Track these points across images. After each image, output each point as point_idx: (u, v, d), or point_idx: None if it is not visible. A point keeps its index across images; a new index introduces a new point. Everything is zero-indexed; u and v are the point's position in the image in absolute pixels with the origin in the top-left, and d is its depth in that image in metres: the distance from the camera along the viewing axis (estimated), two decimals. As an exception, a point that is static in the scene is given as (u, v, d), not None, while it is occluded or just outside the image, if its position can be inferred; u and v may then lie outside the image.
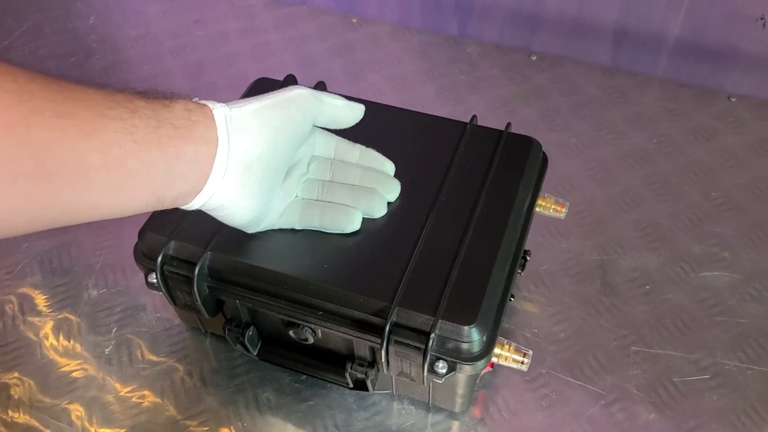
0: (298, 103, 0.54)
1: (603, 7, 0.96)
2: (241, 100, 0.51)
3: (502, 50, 1.03)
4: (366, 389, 0.62)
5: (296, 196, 0.59)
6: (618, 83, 0.97)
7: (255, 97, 0.52)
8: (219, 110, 0.48)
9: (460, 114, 0.91)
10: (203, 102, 0.49)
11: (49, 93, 0.39)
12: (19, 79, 0.38)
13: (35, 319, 0.73)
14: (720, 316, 0.71)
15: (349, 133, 0.60)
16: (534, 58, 1.01)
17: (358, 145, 0.61)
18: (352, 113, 0.58)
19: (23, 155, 0.38)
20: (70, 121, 0.40)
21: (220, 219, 0.53)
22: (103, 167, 0.41)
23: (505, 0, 1.01)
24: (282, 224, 0.58)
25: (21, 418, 0.66)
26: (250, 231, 0.57)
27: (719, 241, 0.77)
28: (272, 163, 0.52)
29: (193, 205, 0.49)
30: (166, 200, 0.47)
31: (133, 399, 0.67)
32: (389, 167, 0.61)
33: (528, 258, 0.66)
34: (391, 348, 0.54)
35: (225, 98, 0.96)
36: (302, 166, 0.59)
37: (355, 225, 0.58)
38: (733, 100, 0.93)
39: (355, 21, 1.08)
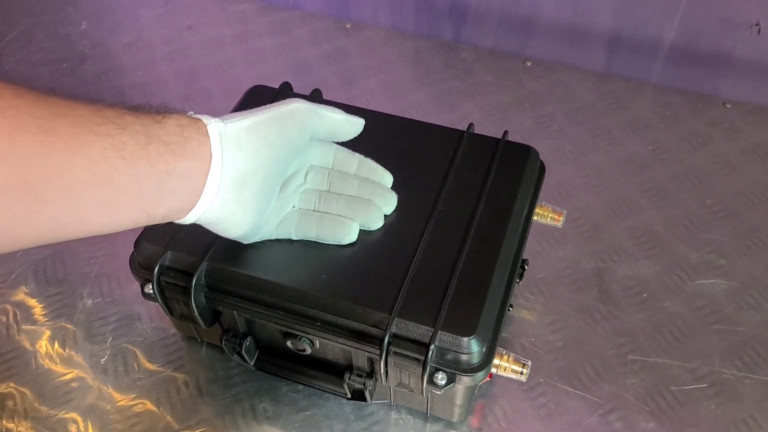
0: (296, 118, 0.53)
1: (597, 12, 0.96)
2: (237, 113, 0.51)
3: (497, 56, 1.03)
4: (364, 399, 0.62)
5: (293, 206, 0.58)
6: (613, 89, 0.97)
7: (251, 111, 0.52)
8: (213, 126, 0.48)
9: (455, 120, 0.92)
10: (197, 116, 0.48)
11: (35, 109, 0.39)
12: (4, 95, 0.38)
13: (30, 329, 0.72)
14: (717, 324, 0.71)
15: (346, 143, 0.60)
16: (528, 63, 1.01)
17: (357, 155, 0.61)
18: (351, 127, 0.58)
19: (6, 171, 0.37)
20: (55, 137, 0.39)
21: (216, 232, 0.53)
22: (90, 184, 0.41)
23: (500, 5, 1.01)
24: (278, 235, 0.58)
25: (17, 428, 0.65)
26: (246, 242, 0.57)
27: (715, 249, 0.78)
28: (267, 177, 0.52)
29: (186, 219, 0.49)
30: (156, 216, 0.46)
31: (130, 409, 0.66)
32: (387, 179, 0.61)
33: (526, 267, 0.66)
34: (390, 359, 0.53)
35: (219, 104, 0.96)
36: (299, 177, 0.58)
37: (351, 237, 0.58)
38: (728, 106, 0.94)
39: (349, 26, 1.08)
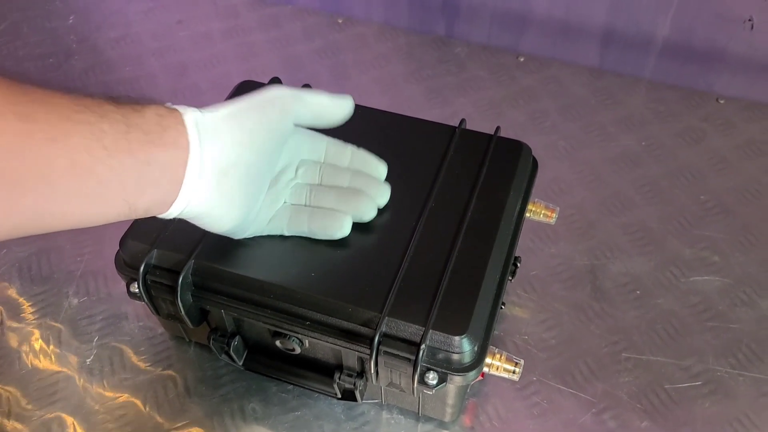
0: (275, 105, 0.52)
1: (591, 8, 0.96)
2: (216, 104, 0.50)
3: (490, 51, 1.02)
4: (354, 399, 0.61)
5: (284, 202, 0.57)
6: (606, 85, 0.96)
7: (230, 100, 0.51)
8: (190, 115, 0.47)
9: (448, 116, 0.91)
10: (175, 107, 0.47)
11: (11, 96, 0.38)
12: None
13: (15, 328, 0.71)
14: (711, 321, 0.71)
15: (339, 138, 0.59)
16: (522, 59, 1.00)
17: (350, 146, 0.60)
18: (338, 109, 0.56)
19: None
20: (34, 125, 0.38)
21: (203, 227, 0.52)
22: (70, 173, 0.40)
23: (493, 0, 1.00)
24: (270, 231, 0.57)
25: (2, 428, 0.64)
26: (236, 237, 0.56)
27: (709, 245, 0.77)
28: (251, 168, 0.51)
29: (170, 213, 0.48)
30: (138, 208, 0.46)
31: (117, 409, 0.65)
32: (381, 169, 0.60)
33: (518, 265, 0.65)
34: (380, 359, 0.52)
35: (208, 100, 0.94)
36: (290, 171, 0.57)
37: (344, 230, 0.57)
38: (722, 101, 0.93)
39: (341, 21, 1.07)
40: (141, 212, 0.46)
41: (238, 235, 0.55)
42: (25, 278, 0.75)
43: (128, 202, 0.44)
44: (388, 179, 0.60)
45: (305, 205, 0.57)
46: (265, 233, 0.57)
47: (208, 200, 0.48)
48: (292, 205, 0.57)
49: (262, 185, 0.54)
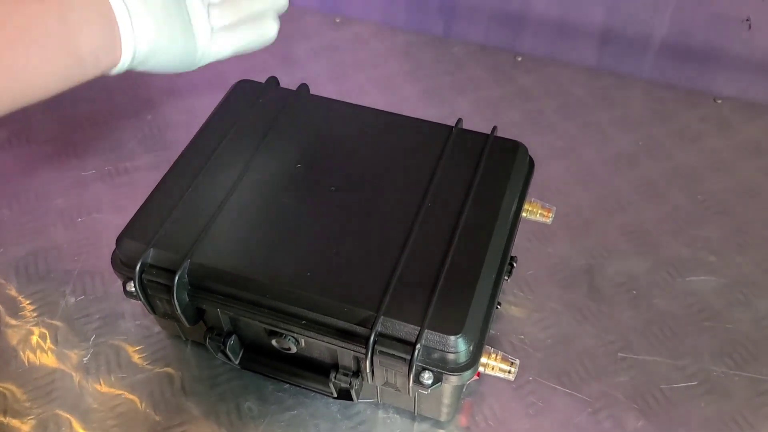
0: None
1: (589, 7, 0.96)
2: None
3: (488, 51, 1.02)
4: (350, 398, 0.61)
5: (214, 29, 0.60)
6: (604, 85, 0.96)
7: None
8: None
9: (445, 115, 0.91)
10: None
11: None
12: None
13: (13, 326, 0.71)
14: (707, 321, 0.71)
15: (335, 138, 0.59)
16: (519, 59, 1.00)
17: None
18: None
19: None
20: None
21: (159, 68, 0.54)
22: None
23: (490, 0, 1.01)
24: (218, 50, 0.60)
25: (-3, 428, 0.64)
26: (192, 65, 0.58)
27: (706, 245, 0.77)
28: None
29: (125, 58, 0.50)
30: (83, 51, 0.47)
31: (114, 407, 0.65)
32: None
33: (515, 264, 0.65)
34: (375, 358, 0.52)
35: (205, 99, 0.95)
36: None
37: (275, 25, 0.64)
38: (719, 101, 0.93)
39: (338, 21, 1.07)
40: (90, 58, 0.48)
41: (193, 62, 0.58)
42: (23, 277, 0.75)
43: (64, 43, 0.46)
44: (385, 178, 0.61)
45: (231, 24, 0.61)
46: (212, 55, 0.60)
47: (149, 23, 0.50)
48: (224, 26, 0.60)
49: (181, 5, 0.55)
